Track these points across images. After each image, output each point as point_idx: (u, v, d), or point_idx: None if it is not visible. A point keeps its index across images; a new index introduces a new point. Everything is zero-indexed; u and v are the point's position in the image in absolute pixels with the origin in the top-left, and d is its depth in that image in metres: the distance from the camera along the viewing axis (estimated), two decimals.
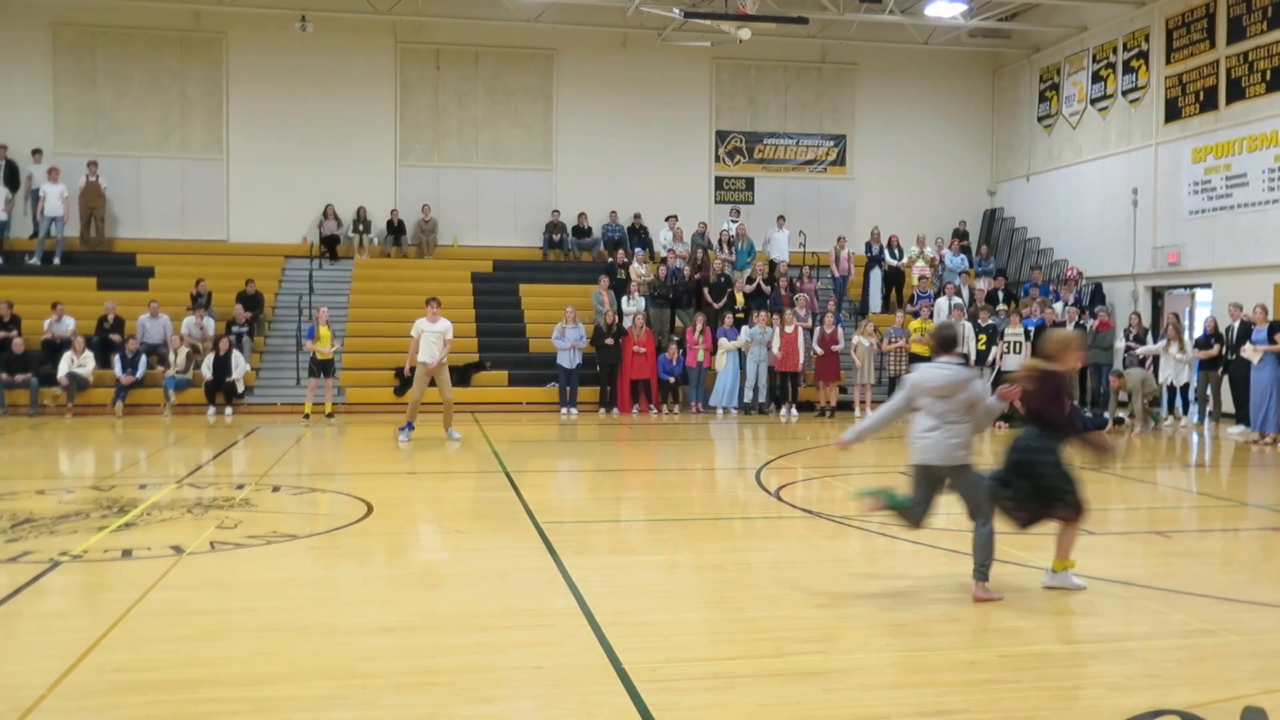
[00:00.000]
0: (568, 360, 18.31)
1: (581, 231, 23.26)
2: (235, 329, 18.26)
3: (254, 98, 22.62)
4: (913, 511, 6.47)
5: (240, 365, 17.56)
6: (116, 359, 17.48)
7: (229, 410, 17.22)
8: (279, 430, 15.51)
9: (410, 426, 14.31)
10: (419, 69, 23.30)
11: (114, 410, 17.12)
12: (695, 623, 5.85)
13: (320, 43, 22.45)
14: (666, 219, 22.47)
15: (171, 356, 17.79)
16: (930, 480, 6.36)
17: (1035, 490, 6.24)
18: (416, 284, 21.78)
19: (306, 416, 16.81)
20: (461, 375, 19.25)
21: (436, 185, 23.24)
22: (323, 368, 16.90)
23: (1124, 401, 15.70)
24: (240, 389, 17.65)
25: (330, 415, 16.93)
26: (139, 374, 17.49)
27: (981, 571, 6.21)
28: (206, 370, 17.45)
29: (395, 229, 22.71)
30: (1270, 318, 14.67)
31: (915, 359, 18.76)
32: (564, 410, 18.24)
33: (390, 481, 11.11)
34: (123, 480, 10.74)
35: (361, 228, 22.54)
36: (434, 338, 14.11)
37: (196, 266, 20.74)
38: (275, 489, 10.24)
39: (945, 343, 6.47)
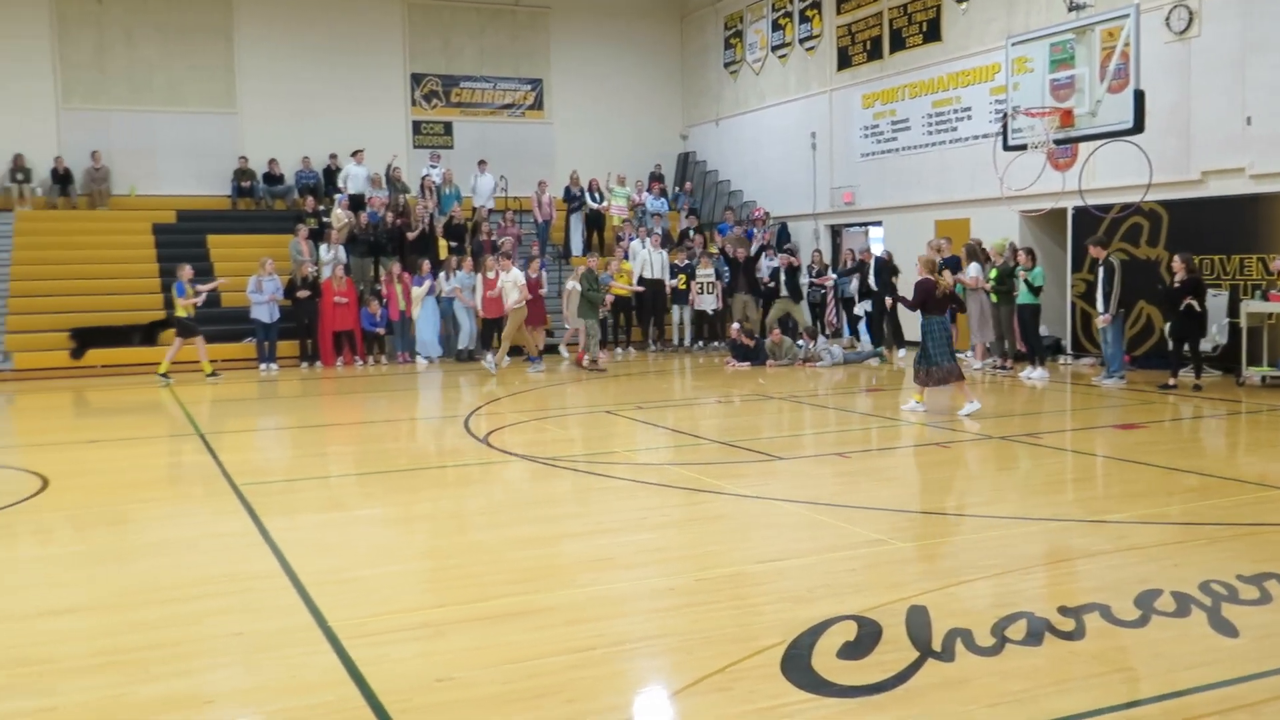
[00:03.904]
0: (265, 314, 17.50)
1: (273, 178, 22.18)
2: None
3: None
4: None
5: None
6: None
7: None
8: None
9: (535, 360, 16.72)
10: (78, 4, 21.30)
11: None
12: (403, 574, 5.81)
13: None
14: (354, 154, 21.62)
15: None
16: None
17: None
18: (90, 237, 20.20)
19: (213, 375, 16.21)
20: (147, 334, 18.09)
21: (106, 130, 21.43)
22: (192, 325, 16.18)
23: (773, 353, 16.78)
24: None
25: (212, 374, 16.27)
26: None
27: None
28: None
29: (61, 178, 20.82)
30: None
31: (617, 300, 19.29)
32: (263, 366, 17.49)
33: (68, 452, 10.29)
34: None
35: (21, 177, 20.51)
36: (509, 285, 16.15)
37: None
38: None
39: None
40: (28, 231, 19.84)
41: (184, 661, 4.43)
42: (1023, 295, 14.48)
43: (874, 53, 20.20)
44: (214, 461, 9.21)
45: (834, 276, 18.91)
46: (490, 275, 18.22)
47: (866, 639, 4.47)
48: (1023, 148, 13.78)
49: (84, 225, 20.47)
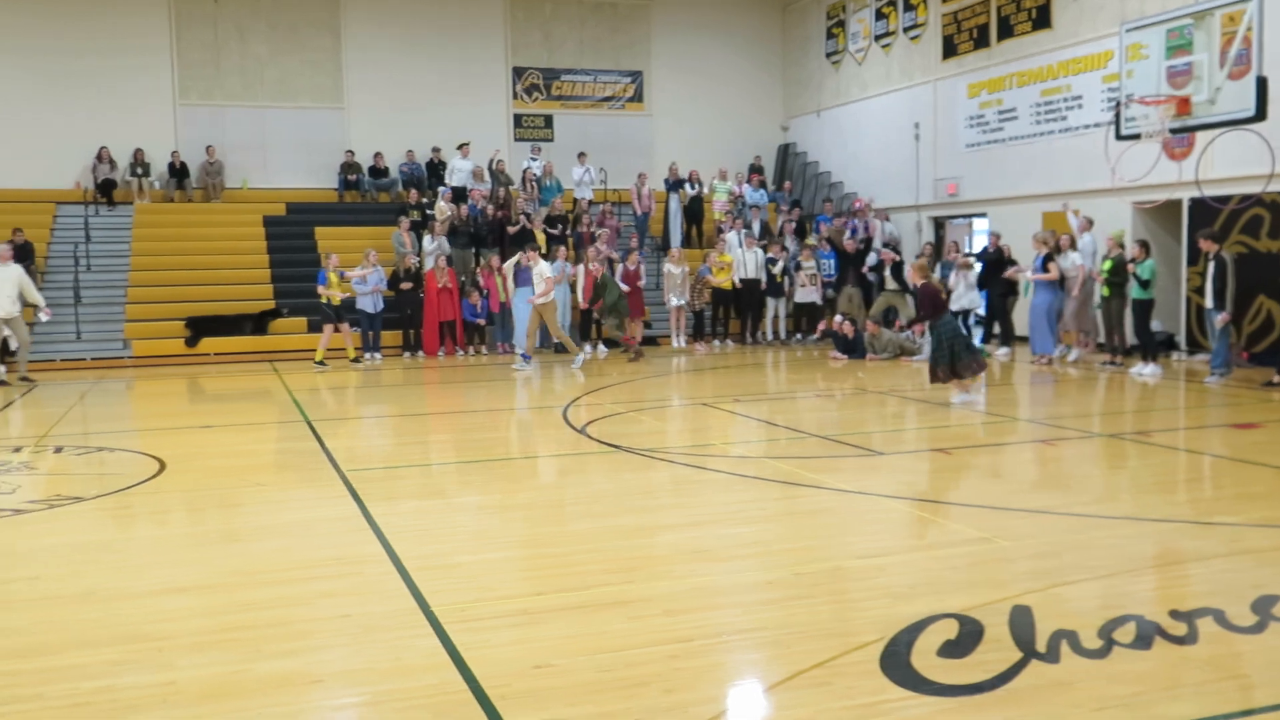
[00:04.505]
0: (370, 305, 17.87)
1: (378, 171, 22.65)
2: None
3: (10, 29, 20.94)
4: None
5: None
6: None
7: (2, 369, 16.08)
8: (59, 388, 14.62)
9: (527, 357, 16.10)
10: (195, 3, 22.02)
11: None
12: (502, 562, 5.90)
13: None
14: (459, 147, 21.96)
15: None
16: None
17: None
18: (204, 229, 20.87)
19: (321, 363, 16.71)
20: (258, 323, 18.64)
21: (221, 125, 22.15)
22: (336, 313, 16.82)
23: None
24: (13, 346, 16.46)
25: (320, 361, 16.76)
26: None
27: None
28: None
29: (178, 172, 21.55)
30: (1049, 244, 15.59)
31: (717, 293, 19.27)
32: (368, 356, 17.87)
33: (183, 436, 10.67)
34: None
35: (140, 171, 21.29)
36: (537, 278, 15.81)
37: None
38: (57, 450, 9.71)
39: None
40: (146, 224, 20.61)
41: (294, 641, 4.56)
42: (1134, 289, 14.06)
43: (981, 41, 19.78)
44: (321, 448, 9.46)
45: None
46: (592, 267, 18.35)
47: (968, 638, 4.40)
48: (1136, 137, 13.38)
49: (199, 217, 21.17)
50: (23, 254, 18.05)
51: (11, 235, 18.13)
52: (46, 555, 6.12)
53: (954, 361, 11.22)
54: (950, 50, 20.55)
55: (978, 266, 17.69)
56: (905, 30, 21.75)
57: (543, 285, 15.89)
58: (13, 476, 8.30)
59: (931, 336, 11.50)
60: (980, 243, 19.43)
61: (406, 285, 18.13)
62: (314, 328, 17.91)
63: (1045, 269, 15.26)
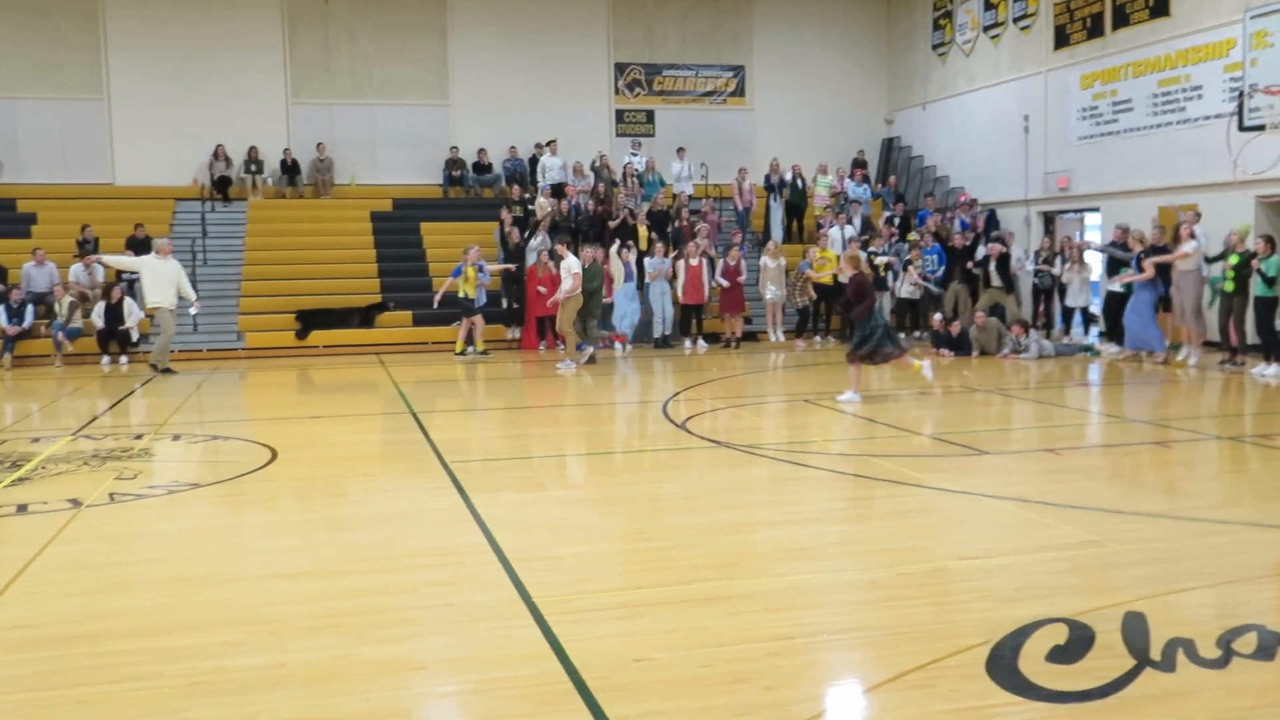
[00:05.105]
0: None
1: (482, 168, 22.95)
2: (126, 276, 17.61)
3: (133, 34, 21.75)
4: None
5: (134, 313, 16.99)
6: (1, 310, 16.82)
7: (124, 359, 16.74)
8: (177, 377, 15.15)
9: (582, 346, 15.92)
10: (307, 4, 22.59)
11: (2, 363, 16.54)
12: (603, 554, 5.93)
13: None
14: (547, 144, 22.12)
15: (57, 306, 17.22)
16: None
17: None
18: (314, 224, 21.41)
19: (482, 351, 17.45)
20: (365, 316, 19.05)
21: (330, 123, 22.67)
22: (467, 305, 17.37)
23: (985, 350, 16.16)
24: (135, 337, 17.11)
25: (483, 352, 17.48)
26: (26, 324, 16.89)
27: None
28: (98, 319, 16.90)
29: (289, 169, 22.14)
30: (1148, 242, 15.14)
31: (819, 288, 19.07)
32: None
33: (294, 426, 10.97)
34: (15, 434, 10.41)
35: (254, 168, 21.92)
36: (564, 273, 15.71)
37: (81, 211, 20.05)
38: (176, 437, 10.06)
39: None
40: (259, 219, 21.22)
41: (399, 628, 4.65)
42: (1258, 286, 13.52)
43: (1094, 30, 19.21)
44: (425, 439, 9.62)
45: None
46: (694, 262, 18.32)
47: (1078, 643, 4.28)
48: (1261, 128, 12.88)
49: (309, 213, 21.72)
50: (144, 248, 18.76)
51: (133, 230, 18.86)
52: (165, 539, 6.35)
53: (871, 347, 11.44)
54: (1062, 40, 20.01)
55: (1095, 261, 17.23)
56: (1015, 20, 21.24)
57: (570, 281, 15.62)
58: (134, 463, 8.62)
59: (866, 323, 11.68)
60: (1096, 237, 18.88)
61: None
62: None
63: (1140, 268, 14.85)
